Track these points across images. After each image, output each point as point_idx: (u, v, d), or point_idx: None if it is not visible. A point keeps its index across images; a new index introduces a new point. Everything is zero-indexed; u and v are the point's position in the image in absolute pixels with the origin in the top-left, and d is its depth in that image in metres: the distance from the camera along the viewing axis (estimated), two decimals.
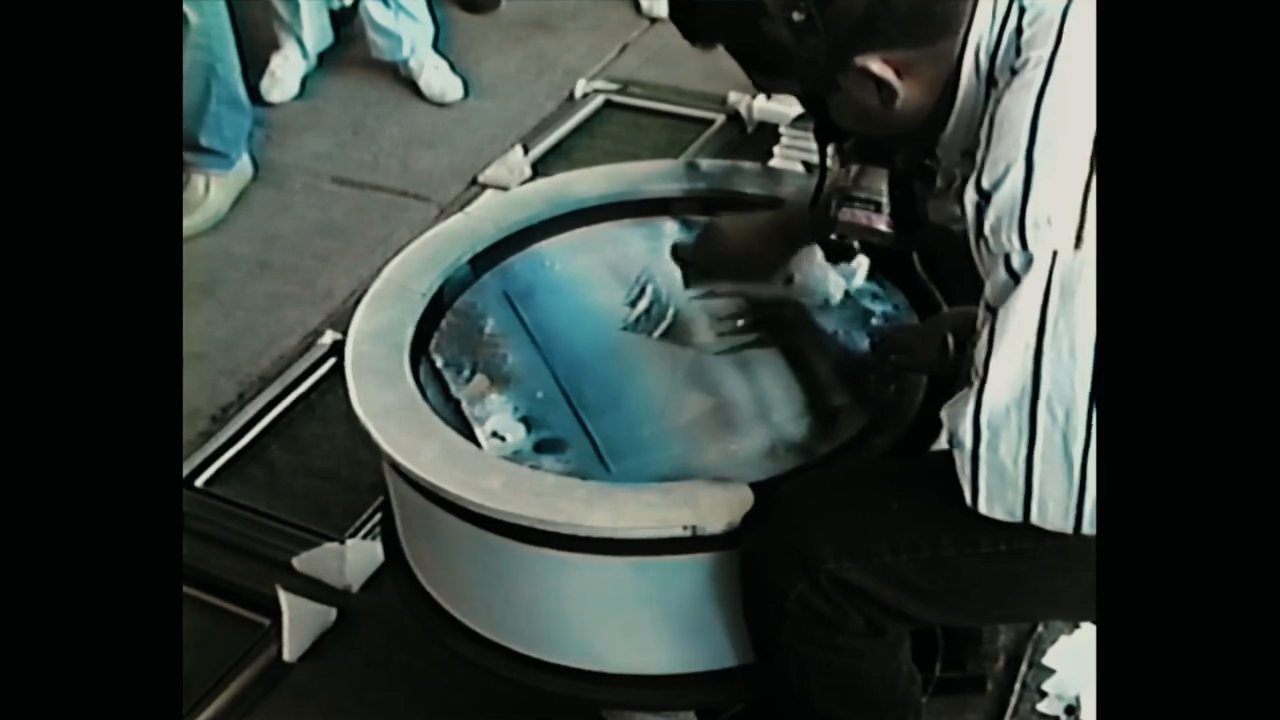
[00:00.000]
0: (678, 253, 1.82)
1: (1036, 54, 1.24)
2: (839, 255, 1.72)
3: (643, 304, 1.80)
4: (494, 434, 1.61)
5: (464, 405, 1.66)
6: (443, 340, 1.76)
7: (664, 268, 1.85)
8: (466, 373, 1.71)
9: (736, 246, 1.76)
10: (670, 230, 1.93)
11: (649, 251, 1.89)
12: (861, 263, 1.79)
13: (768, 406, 1.64)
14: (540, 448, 1.60)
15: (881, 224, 1.48)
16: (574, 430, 1.62)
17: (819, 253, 1.74)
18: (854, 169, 1.50)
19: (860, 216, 1.48)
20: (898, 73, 1.31)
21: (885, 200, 1.47)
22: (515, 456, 1.58)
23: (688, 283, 1.80)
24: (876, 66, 1.31)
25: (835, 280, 1.79)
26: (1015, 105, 1.22)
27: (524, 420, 1.63)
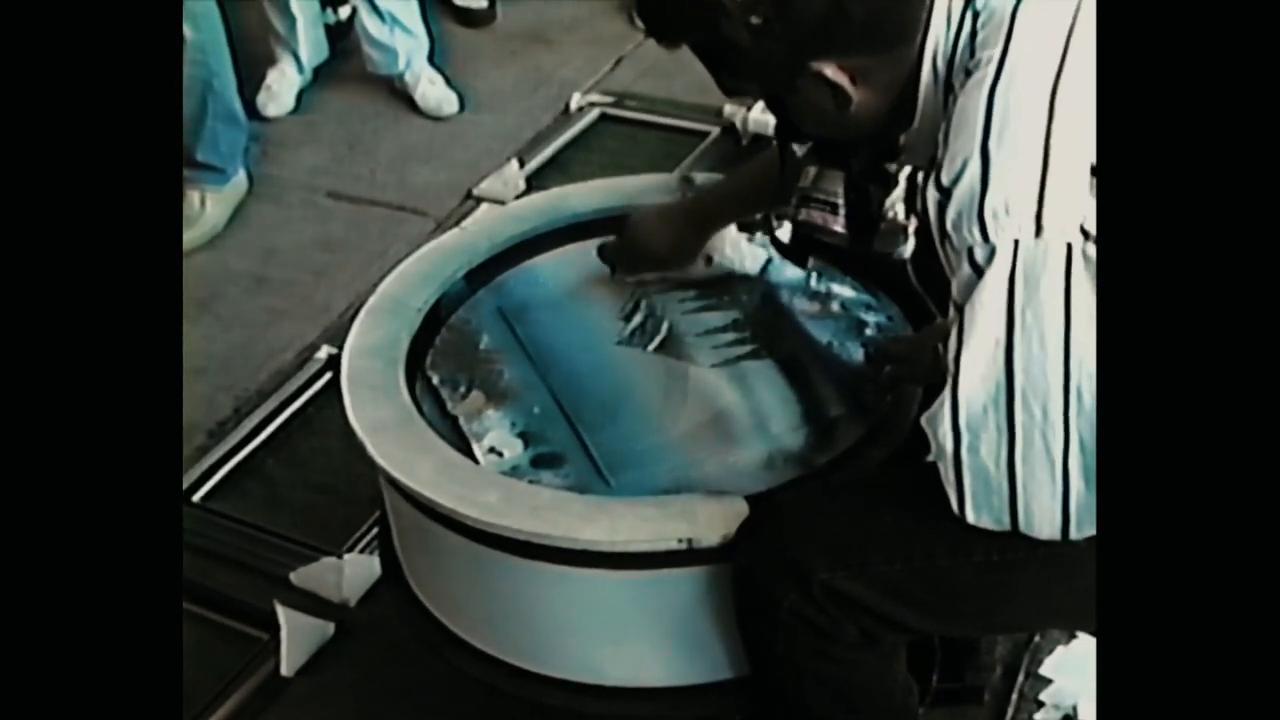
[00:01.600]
0: (604, 254, 1.85)
1: (988, 53, 1.25)
2: (750, 228, 1.81)
3: (637, 318, 1.80)
4: (491, 450, 1.61)
5: (461, 422, 1.66)
6: (438, 357, 1.76)
7: (659, 282, 1.86)
8: (462, 389, 1.71)
9: (654, 241, 1.80)
10: None
11: None
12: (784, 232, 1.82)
13: (765, 418, 1.64)
14: (538, 463, 1.60)
15: (837, 225, 1.51)
16: (572, 445, 1.62)
17: (732, 230, 1.81)
18: (812, 171, 1.52)
19: (817, 217, 1.52)
20: (852, 79, 1.33)
21: (841, 202, 1.50)
22: (513, 472, 1.58)
23: (614, 274, 1.85)
24: (831, 72, 1.32)
25: (753, 253, 1.84)
26: (969, 103, 1.23)
27: (521, 436, 1.64)
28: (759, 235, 1.84)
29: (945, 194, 1.21)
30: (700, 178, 2.04)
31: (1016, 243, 1.17)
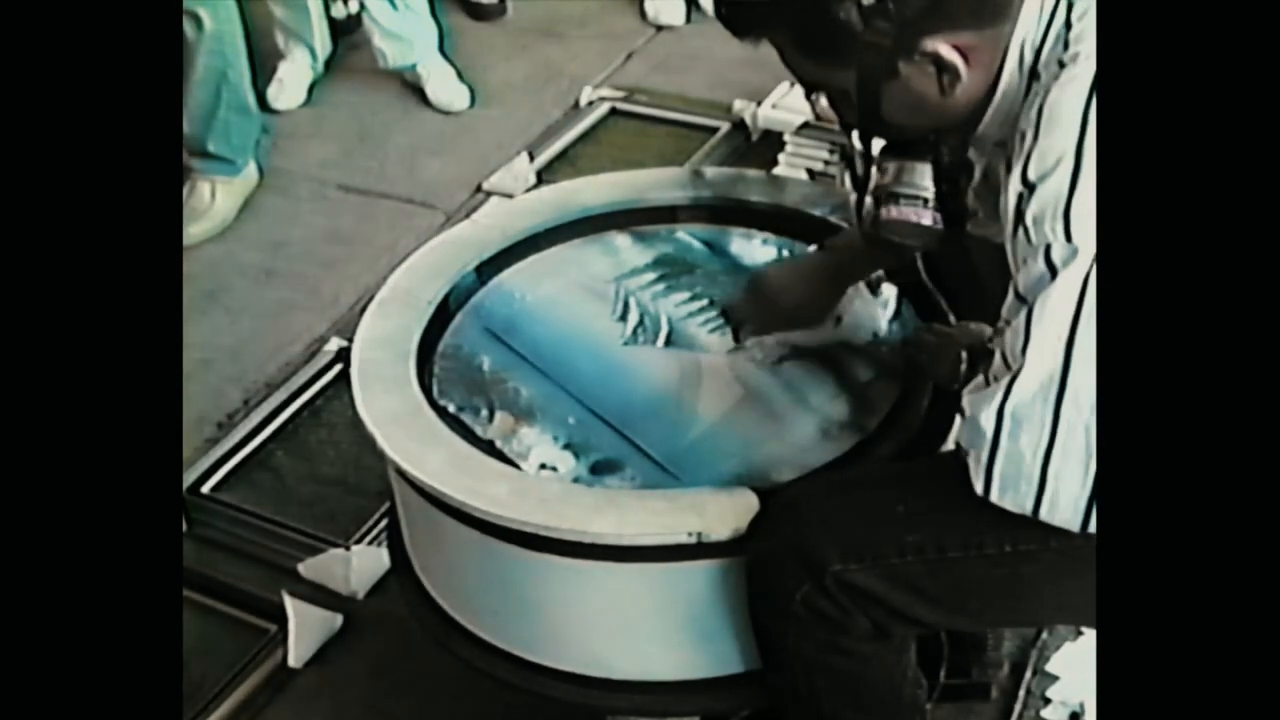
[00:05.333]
0: (727, 312, 1.76)
1: (1086, 48, 1.24)
2: (873, 286, 1.74)
3: (633, 317, 1.79)
4: (543, 466, 1.58)
5: (498, 444, 1.61)
6: (444, 385, 1.71)
7: (636, 279, 1.85)
8: (484, 413, 1.66)
9: (787, 297, 1.72)
10: (622, 244, 1.92)
11: (613, 266, 1.88)
12: (891, 289, 1.79)
13: (800, 392, 1.64)
14: (598, 470, 1.57)
15: (928, 219, 1.45)
16: (623, 449, 1.59)
17: (863, 287, 1.74)
18: (892, 167, 1.46)
19: (909, 213, 1.45)
20: (964, 57, 1.30)
21: (931, 195, 1.44)
22: (578, 483, 1.55)
23: (738, 337, 1.74)
24: (946, 50, 1.29)
25: (880, 308, 1.78)
26: (1066, 98, 1.22)
27: (568, 447, 1.60)
28: (883, 290, 1.77)
29: (1030, 188, 1.20)
30: (710, 172, 2.04)
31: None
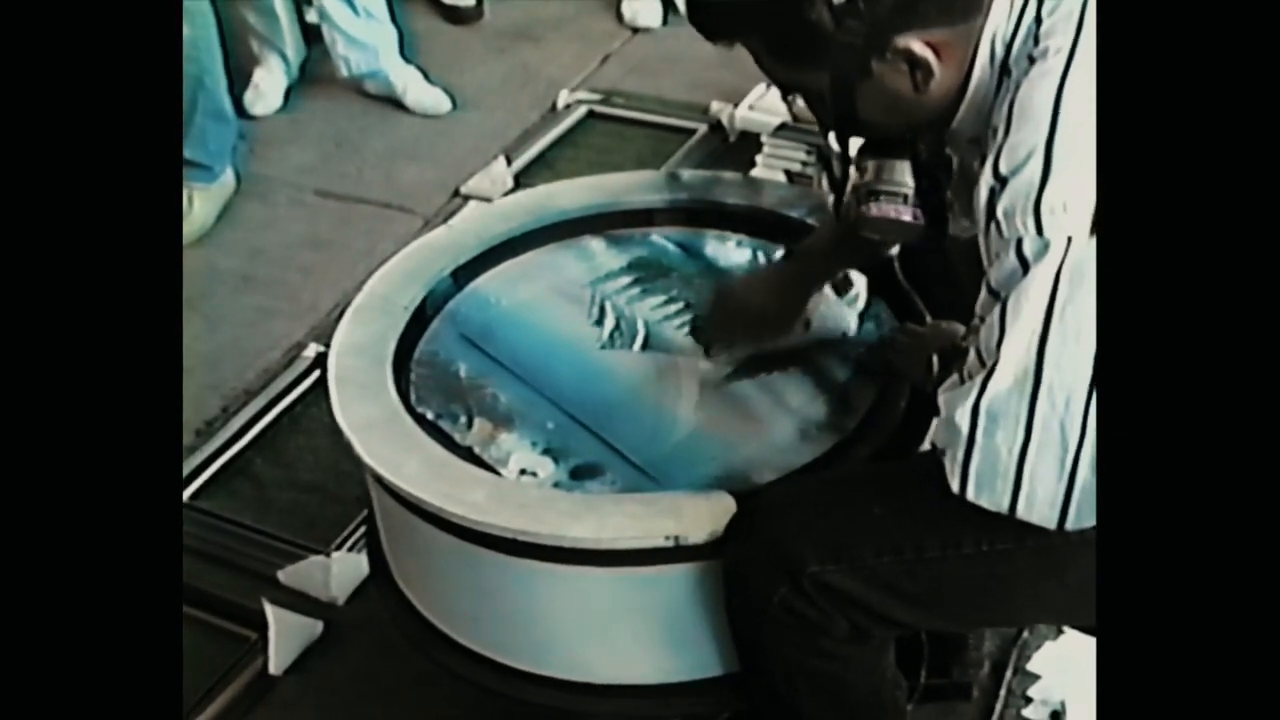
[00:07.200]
0: (697, 329, 1.75)
1: (1056, 43, 1.24)
2: (839, 287, 1.74)
3: (609, 322, 1.79)
4: (523, 471, 1.57)
5: (477, 451, 1.60)
6: (422, 393, 1.70)
7: (612, 284, 1.86)
8: (463, 419, 1.65)
9: (754, 308, 1.71)
10: (598, 248, 1.92)
11: (589, 270, 1.89)
12: (860, 284, 1.78)
13: (779, 395, 1.64)
14: (578, 475, 1.56)
15: (908, 215, 1.45)
16: (603, 453, 1.59)
17: (829, 290, 1.74)
18: (871, 165, 1.46)
19: (889, 210, 1.45)
20: (936, 53, 1.30)
21: (912, 191, 1.44)
22: (557, 488, 1.55)
23: (709, 352, 1.72)
24: (918, 47, 1.29)
25: (848, 310, 1.78)
26: (1037, 92, 1.22)
27: (547, 453, 1.60)
28: (851, 288, 1.77)
29: (1001, 182, 1.20)
30: (687, 175, 2.04)
31: (1070, 240, 1.16)
